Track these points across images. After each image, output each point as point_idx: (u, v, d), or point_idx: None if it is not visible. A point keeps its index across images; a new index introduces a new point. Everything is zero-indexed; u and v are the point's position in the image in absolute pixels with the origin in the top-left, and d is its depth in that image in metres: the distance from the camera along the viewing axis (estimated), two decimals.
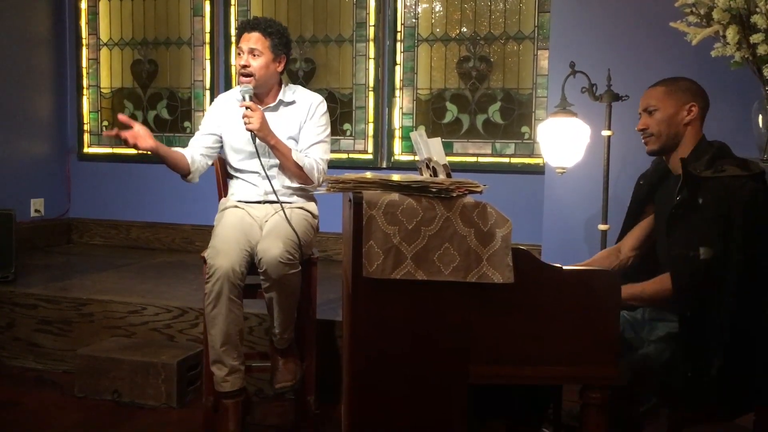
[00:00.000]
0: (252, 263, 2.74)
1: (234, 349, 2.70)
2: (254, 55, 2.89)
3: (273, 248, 2.61)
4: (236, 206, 2.95)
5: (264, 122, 2.80)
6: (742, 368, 2.08)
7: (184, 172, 2.99)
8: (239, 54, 2.93)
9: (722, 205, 2.07)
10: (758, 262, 2.07)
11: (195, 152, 3.00)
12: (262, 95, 2.98)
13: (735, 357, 2.06)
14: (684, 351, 2.10)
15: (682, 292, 2.09)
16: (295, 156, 2.86)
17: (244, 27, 2.95)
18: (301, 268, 2.71)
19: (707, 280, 2.06)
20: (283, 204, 2.82)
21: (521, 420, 2.46)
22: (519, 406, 2.44)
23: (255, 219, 2.90)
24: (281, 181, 2.93)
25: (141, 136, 2.79)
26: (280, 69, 2.97)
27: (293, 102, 3.00)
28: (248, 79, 2.89)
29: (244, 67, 2.89)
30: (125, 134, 2.78)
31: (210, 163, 3.06)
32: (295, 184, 2.95)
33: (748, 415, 2.23)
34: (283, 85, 3.01)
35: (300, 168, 2.87)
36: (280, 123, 2.94)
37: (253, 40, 2.90)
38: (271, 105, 2.98)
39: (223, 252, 2.66)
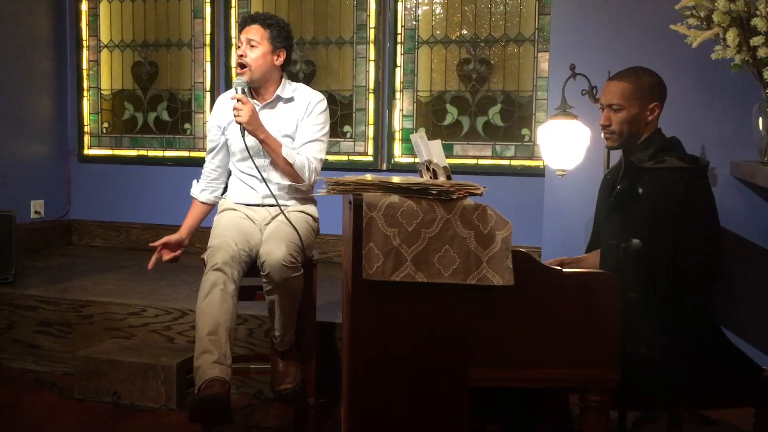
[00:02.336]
0: (250, 264, 2.74)
1: (223, 344, 2.56)
2: (251, 46, 2.90)
3: (276, 251, 2.61)
4: (234, 209, 2.95)
5: (253, 115, 2.79)
6: (685, 353, 2.10)
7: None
8: (238, 47, 2.94)
9: (657, 197, 2.13)
10: (686, 254, 2.11)
11: (211, 195, 3.08)
12: (260, 90, 2.96)
13: (665, 343, 2.09)
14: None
15: None
16: (285, 152, 2.83)
17: (245, 21, 2.97)
18: (303, 271, 2.71)
19: (635, 270, 2.09)
20: (281, 207, 2.81)
21: (516, 423, 2.45)
22: (513, 410, 2.43)
23: (254, 222, 2.89)
24: (275, 180, 2.92)
25: (171, 251, 2.93)
26: (279, 62, 2.95)
27: (291, 99, 2.97)
28: (244, 69, 2.89)
29: (241, 57, 2.90)
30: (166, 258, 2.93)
31: (227, 176, 3.10)
32: (286, 182, 2.93)
33: (749, 416, 2.23)
34: (283, 81, 3.00)
35: (290, 165, 2.84)
36: (277, 120, 2.92)
37: (252, 31, 2.91)
38: (269, 101, 2.96)
39: (222, 249, 2.66)
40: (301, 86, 3.04)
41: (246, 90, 2.86)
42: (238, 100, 2.78)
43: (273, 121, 2.91)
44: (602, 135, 2.39)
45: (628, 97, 2.29)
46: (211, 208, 3.10)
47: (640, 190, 2.15)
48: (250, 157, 2.83)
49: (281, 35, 2.94)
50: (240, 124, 2.77)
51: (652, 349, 2.08)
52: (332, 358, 3.21)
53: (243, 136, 2.80)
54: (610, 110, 2.33)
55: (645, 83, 2.30)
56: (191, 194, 3.09)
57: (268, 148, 2.83)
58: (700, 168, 2.21)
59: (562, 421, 2.38)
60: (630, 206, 2.17)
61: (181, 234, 2.95)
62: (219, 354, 2.55)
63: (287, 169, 2.86)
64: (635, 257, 2.09)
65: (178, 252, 2.94)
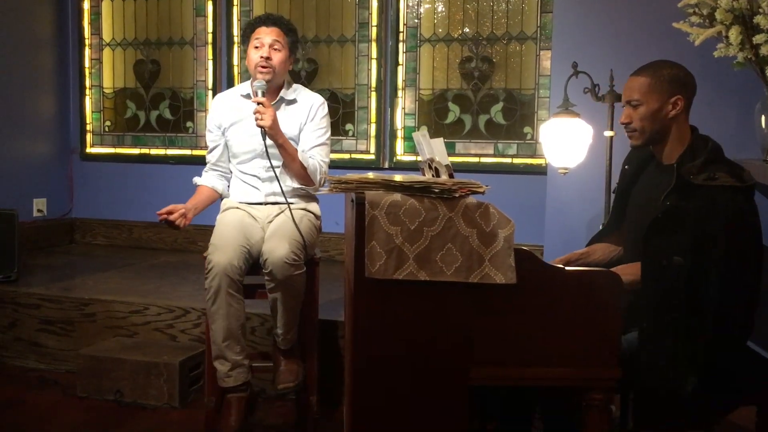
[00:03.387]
0: (251, 261, 2.75)
1: (236, 344, 2.71)
2: (275, 49, 2.90)
3: (279, 249, 2.62)
4: (237, 207, 2.95)
5: (275, 120, 2.79)
6: (718, 386, 2.05)
7: (217, 200, 3.10)
8: (257, 47, 2.91)
9: (706, 218, 2.02)
10: (735, 277, 2.03)
11: (218, 181, 3.07)
12: (266, 91, 2.97)
13: (711, 374, 2.03)
14: (650, 366, 2.04)
15: (649, 299, 2.06)
16: (301, 156, 2.86)
17: (264, 21, 2.95)
18: (305, 269, 2.72)
19: (676, 290, 2.01)
20: (284, 206, 2.82)
21: (512, 422, 2.45)
22: (508, 408, 2.43)
23: (256, 220, 2.90)
24: (282, 181, 2.93)
25: (182, 219, 2.85)
26: (290, 67, 3.00)
27: (294, 101, 2.99)
28: (268, 69, 2.87)
29: (267, 59, 2.88)
30: (172, 219, 2.83)
31: (230, 173, 3.10)
32: (296, 185, 2.95)
33: (749, 415, 2.23)
34: (285, 84, 3.01)
35: (305, 169, 2.87)
36: (280, 122, 2.93)
37: (275, 33, 2.91)
38: (272, 102, 2.96)
39: (221, 248, 2.67)
40: (300, 87, 3.06)
41: (264, 93, 2.85)
42: (259, 104, 2.78)
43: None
44: (626, 134, 2.29)
45: (646, 91, 2.18)
46: (216, 196, 3.07)
47: (689, 206, 2.05)
48: (268, 158, 2.84)
49: (296, 42, 2.99)
50: (261, 128, 2.77)
51: (689, 381, 2.01)
52: (334, 357, 3.21)
53: (264, 139, 2.80)
54: (629, 107, 2.22)
55: (665, 76, 2.19)
56: (194, 182, 3.08)
57: (285, 152, 2.84)
58: (749, 188, 2.10)
59: (566, 420, 2.38)
60: (677, 224, 2.05)
61: (186, 206, 2.91)
62: (234, 357, 2.71)
63: (301, 172, 2.88)
64: (676, 276, 2.01)
65: (179, 221, 2.85)
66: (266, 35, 2.91)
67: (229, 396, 2.72)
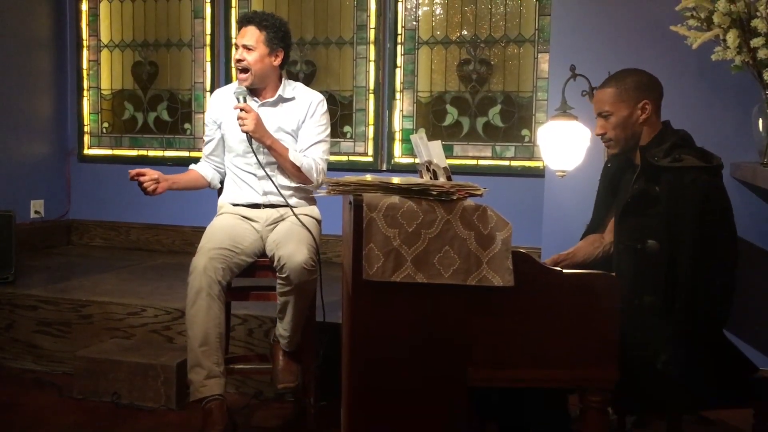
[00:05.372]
0: (242, 266, 2.77)
1: (213, 352, 2.65)
2: (248, 50, 2.88)
3: (298, 254, 2.62)
4: (232, 213, 2.94)
5: (259, 123, 2.79)
6: (690, 363, 2.07)
7: (204, 188, 3.09)
8: (236, 49, 2.93)
9: (675, 199, 2.09)
10: (707, 257, 2.07)
11: (209, 170, 3.06)
12: (260, 90, 2.97)
13: (682, 351, 2.06)
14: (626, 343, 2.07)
15: (624, 282, 2.08)
16: (293, 156, 2.85)
17: (241, 22, 2.96)
18: (318, 274, 2.72)
19: (651, 273, 2.08)
20: (287, 209, 2.83)
21: (511, 423, 2.45)
22: (507, 409, 2.43)
23: (254, 223, 2.89)
24: (279, 181, 2.92)
25: (153, 184, 2.82)
26: (276, 63, 2.94)
27: (293, 98, 2.98)
28: (245, 75, 2.88)
29: (239, 61, 2.89)
30: (141, 181, 2.81)
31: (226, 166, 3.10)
32: (293, 184, 2.94)
33: (748, 415, 2.23)
34: (283, 81, 3.00)
35: (297, 168, 2.86)
36: (279, 118, 2.93)
37: (248, 34, 2.89)
38: (270, 100, 2.96)
39: (204, 252, 2.69)
40: (300, 86, 3.05)
41: (245, 97, 2.86)
42: (242, 109, 2.78)
43: (274, 118, 2.92)
44: (603, 144, 2.39)
45: (614, 101, 2.28)
46: (203, 183, 3.06)
47: (657, 189, 2.12)
48: (258, 161, 2.85)
49: (278, 36, 2.92)
50: (246, 133, 2.78)
51: (661, 356, 2.05)
52: (332, 358, 3.20)
53: (251, 143, 2.81)
54: (602, 118, 2.32)
55: (629, 84, 2.29)
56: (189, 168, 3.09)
57: (276, 153, 2.85)
58: (716, 168, 2.17)
59: (561, 422, 2.38)
60: (647, 207, 2.13)
61: (164, 176, 2.88)
62: (210, 365, 2.64)
63: (294, 172, 2.88)
64: (652, 259, 2.07)
65: (149, 185, 2.83)
66: (241, 37, 2.91)
67: (207, 405, 2.63)
